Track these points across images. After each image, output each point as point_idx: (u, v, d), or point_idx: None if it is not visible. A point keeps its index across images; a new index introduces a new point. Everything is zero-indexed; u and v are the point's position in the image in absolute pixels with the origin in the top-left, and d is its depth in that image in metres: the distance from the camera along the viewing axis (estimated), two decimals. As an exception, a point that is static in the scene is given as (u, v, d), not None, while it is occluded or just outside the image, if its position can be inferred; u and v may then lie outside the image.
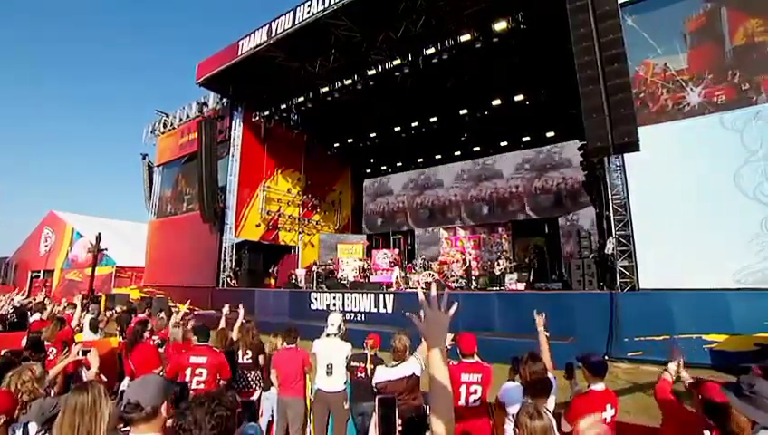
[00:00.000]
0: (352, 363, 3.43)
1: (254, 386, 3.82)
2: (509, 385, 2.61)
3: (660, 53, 9.05)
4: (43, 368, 2.43)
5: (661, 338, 7.48)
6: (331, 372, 3.37)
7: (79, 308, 5.94)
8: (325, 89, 14.42)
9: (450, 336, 3.05)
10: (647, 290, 8.01)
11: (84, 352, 2.64)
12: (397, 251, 17.90)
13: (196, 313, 15.23)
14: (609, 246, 8.67)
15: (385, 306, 10.68)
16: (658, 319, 7.59)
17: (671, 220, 8.00)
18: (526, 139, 17.49)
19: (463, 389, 2.70)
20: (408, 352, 2.99)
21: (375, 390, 2.89)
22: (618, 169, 8.89)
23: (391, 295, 10.74)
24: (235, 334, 4.05)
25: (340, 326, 3.64)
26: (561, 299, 8.89)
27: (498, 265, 11.71)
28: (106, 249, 17.80)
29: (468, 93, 14.77)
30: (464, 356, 2.83)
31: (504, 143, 18.04)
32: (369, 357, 3.37)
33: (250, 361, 3.85)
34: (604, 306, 8.22)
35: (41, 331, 4.47)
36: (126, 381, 3.74)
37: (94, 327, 5.72)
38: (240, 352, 3.86)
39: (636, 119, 7.76)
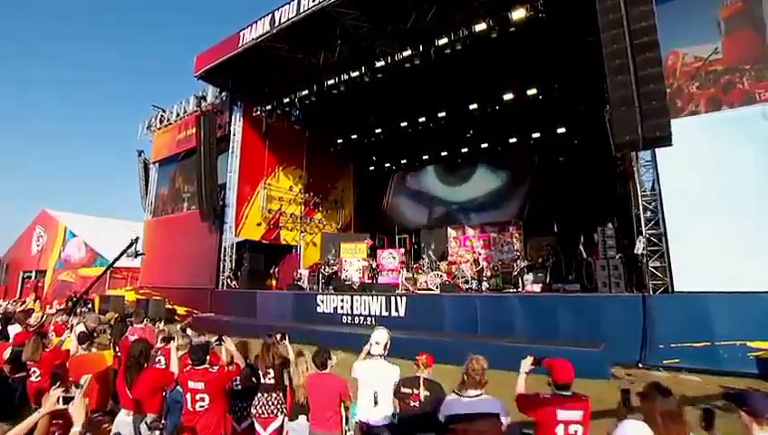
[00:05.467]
0: (402, 390, 2.79)
1: (275, 411, 3.22)
2: (631, 425, 1.94)
3: (691, 42, 8.53)
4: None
5: (701, 344, 6.98)
6: (377, 402, 2.77)
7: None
8: (330, 81, 13.80)
9: (529, 360, 2.48)
10: (682, 293, 7.49)
11: (66, 400, 1.94)
12: (402, 251, 17.38)
13: (195, 315, 14.66)
14: (639, 246, 8.15)
15: (397, 310, 10.11)
16: (697, 324, 7.08)
17: (707, 218, 7.47)
18: (536, 135, 16.96)
19: (560, 429, 2.12)
20: (485, 377, 2.37)
21: (443, 423, 2.31)
22: (647, 164, 8.38)
23: (404, 298, 10.17)
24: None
25: (386, 345, 3.02)
26: (587, 302, 8.37)
27: (515, 265, 11.17)
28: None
29: (479, 87, 14.26)
30: (558, 387, 2.25)
31: (513, 140, 17.52)
32: (421, 381, 2.76)
33: (273, 381, 3.25)
34: (635, 310, 7.70)
35: (23, 345, 3.85)
36: (123, 415, 3.12)
37: (85, 339, 5.03)
38: (261, 372, 3.27)
39: (669, 111, 7.24)
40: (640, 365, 7.33)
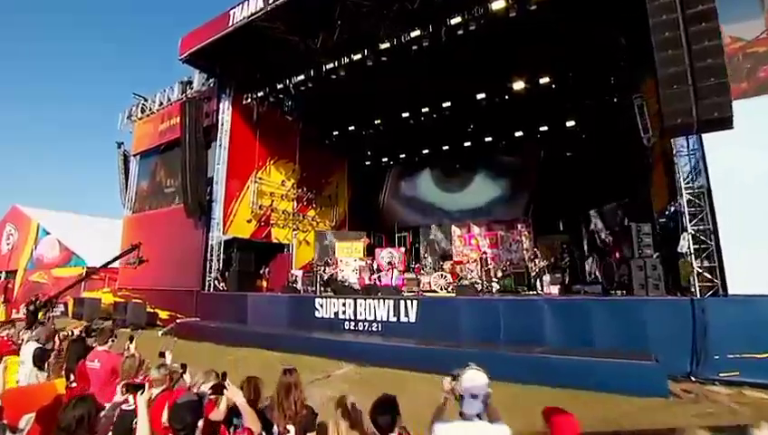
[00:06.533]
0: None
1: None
2: None
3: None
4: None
5: (765, 356, 6.12)
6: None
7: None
8: (329, 66, 12.70)
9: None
10: (737, 296, 6.63)
11: None
12: (403, 250, 16.47)
13: (179, 320, 13.40)
14: (684, 244, 7.28)
15: (407, 315, 9.08)
16: (759, 332, 6.21)
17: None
18: (544, 128, 16.14)
19: None
20: None
21: None
22: (692, 152, 7.52)
23: (414, 302, 9.14)
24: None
25: (487, 397, 1.95)
26: (627, 307, 7.44)
27: (534, 265, 10.27)
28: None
29: (489, 74, 13.30)
30: None
31: (519, 133, 16.66)
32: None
33: (293, 442, 2.20)
34: (683, 315, 6.81)
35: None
36: None
37: (39, 360, 3.91)
38: (276, 429, 2.19)
39: (729, 89, 6.36)
40: (693, 378, 6.45)
